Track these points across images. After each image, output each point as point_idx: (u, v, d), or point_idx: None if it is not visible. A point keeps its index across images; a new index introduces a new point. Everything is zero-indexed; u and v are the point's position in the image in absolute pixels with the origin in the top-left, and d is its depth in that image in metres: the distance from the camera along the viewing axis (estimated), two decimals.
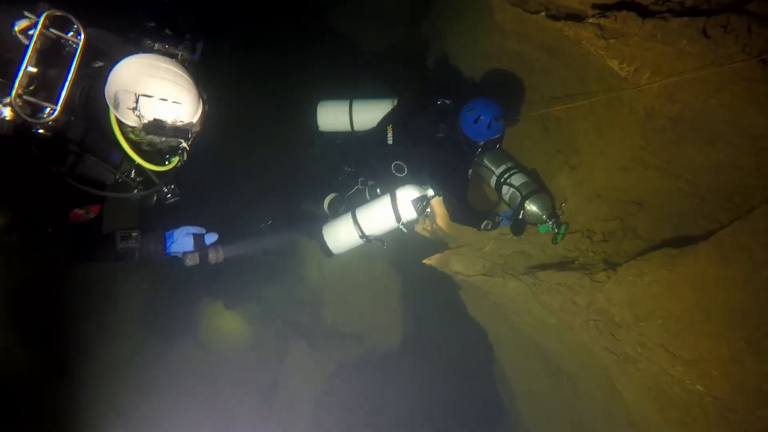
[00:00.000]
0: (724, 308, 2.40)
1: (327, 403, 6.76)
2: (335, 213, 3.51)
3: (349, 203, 3.50)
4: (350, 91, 3.68)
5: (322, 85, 4.13)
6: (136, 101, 1.84)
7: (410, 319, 7.21)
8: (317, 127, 3.64)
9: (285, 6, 5.21)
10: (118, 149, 1.99)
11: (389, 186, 3.30)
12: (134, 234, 2.23)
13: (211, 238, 2.44)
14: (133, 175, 2.08)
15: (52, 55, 1.79)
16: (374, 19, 5.85)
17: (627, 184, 3.10)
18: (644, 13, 2.22)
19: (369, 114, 3.49)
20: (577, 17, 2.52)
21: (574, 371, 3.52)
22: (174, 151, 2.08)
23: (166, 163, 2.10)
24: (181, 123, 1.95)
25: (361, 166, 3.56)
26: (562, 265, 3.30)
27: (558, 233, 3.27)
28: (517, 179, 3.34)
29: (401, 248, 4.92)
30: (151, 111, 1.89)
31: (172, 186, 2.20)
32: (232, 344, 6.87)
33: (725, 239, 2.42)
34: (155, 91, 1.88)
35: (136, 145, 1.97)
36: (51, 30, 1.74)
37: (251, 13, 5.06)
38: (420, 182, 3.26)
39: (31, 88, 1.75)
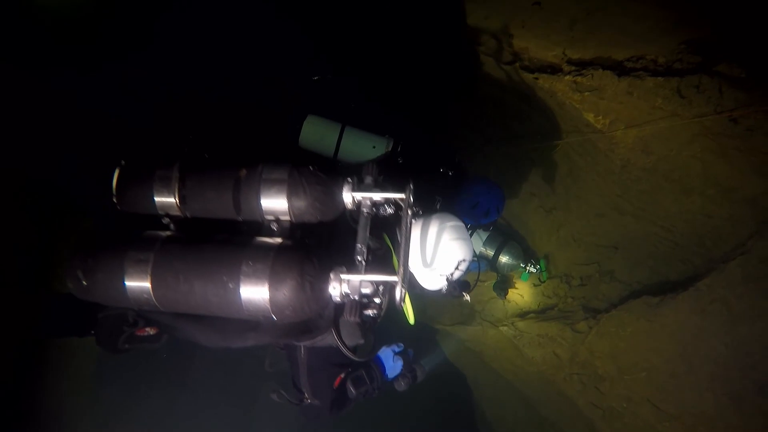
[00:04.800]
0: (706, 360, 2.37)
1: None
2: None
3: None
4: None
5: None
6: (457, 266, 1.71)
7: None
8: (296, 141, 2.96)
9: None
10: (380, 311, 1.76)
11: None
12: (361, 375, 1.97)
13: (410, 353, 2.20)
14: None
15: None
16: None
17: (603, 230, 3.10)
18: (620, 70, 2.23)
19: (359, 149, 3.16)
20: (551, 69, 2.53)
21: (555, 419, 3.45)
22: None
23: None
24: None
25: None
26: (542, 312, 3.26)
27: (541, 271, 3.21)
28: (479, 238, 3.20)
29: None
30: (461, 273, 1.77)
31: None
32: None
33: (703, 290, 2.42)
34: (468, 254, 1.76)
35: None
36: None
37: None
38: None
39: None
